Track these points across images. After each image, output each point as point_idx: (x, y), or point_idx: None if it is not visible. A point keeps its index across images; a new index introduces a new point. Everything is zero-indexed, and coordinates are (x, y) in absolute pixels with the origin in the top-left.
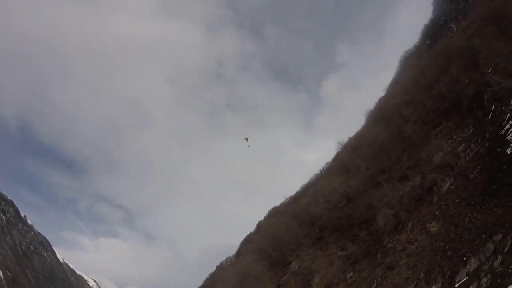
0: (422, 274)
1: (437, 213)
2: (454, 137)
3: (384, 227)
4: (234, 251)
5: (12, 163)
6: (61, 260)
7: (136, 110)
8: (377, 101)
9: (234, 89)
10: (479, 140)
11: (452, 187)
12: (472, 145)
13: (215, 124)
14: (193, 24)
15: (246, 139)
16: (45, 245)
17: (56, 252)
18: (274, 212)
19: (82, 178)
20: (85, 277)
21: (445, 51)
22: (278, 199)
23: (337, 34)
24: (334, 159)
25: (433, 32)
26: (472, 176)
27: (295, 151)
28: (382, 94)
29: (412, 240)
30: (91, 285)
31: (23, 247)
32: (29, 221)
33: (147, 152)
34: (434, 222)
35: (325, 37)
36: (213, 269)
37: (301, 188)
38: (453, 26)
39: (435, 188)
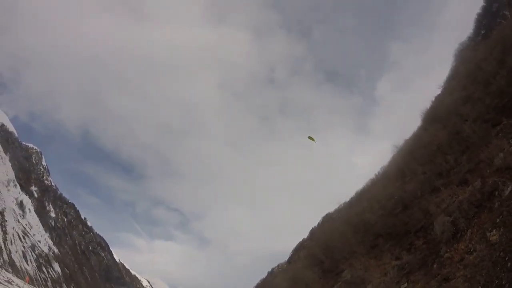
0: (480, 287)
1: (497, 220)
2: None
3: (442, 236)
4: (286, 257)
5: (74, 168)
6: (117, 260)
7: (191, 116)
8: (433, 99)
9: (285, 93)
10: None
11: None
12: None
13: (267, 128)
14: (241, 30)
15: (311, 138)
16: (103, 246)
17: (113, 253)
18: (328, 219)
19: (140, 182)
20: (139, 277)
21: (501, 41)
22: (332, 205)
23: (386, 30)
24: (390, 163)
25: (487, 21)
26: None
27: (349, 155)
28: (438, 91)
29: (470, 250)
30: (144, 285)
31: (82, 247)
32: (88, 223)
33: (202, 156)
34: (494, 230)
35: (374, 35)
36: (265, 275)
37: (356, 193)
38: (507, 13)
39: (496, 193)
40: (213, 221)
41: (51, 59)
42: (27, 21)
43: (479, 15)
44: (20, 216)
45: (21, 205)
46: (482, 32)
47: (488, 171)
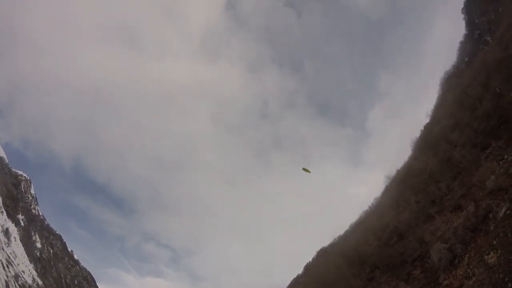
0: None
1: (494, 242)
2: (506, 157)
3: (439, 263)
4: None
5: (65, 200)
6: None
7: (184, 150)
8: (422, 128)
9: (279, 126)
10: None
11: (508, 212)
12: None
13: (261, 162)
14: (234, 65)
15: (306, 169)
16: (89, 280)
17: None
18: (323, 253)
19: (131, 217)
20: None
21: (484, 66)
22: (326, 238)
23: (375, 60)
24: (383, 194)
25: (470, 48)
26: None
27: (342, 186)
28: (427, 120)
29: (469, 275)
30: None
31: (67, 280)
32: (75, 256)
33: (195, 190)
34: (492, 252)
35: (364, 65)
36: None
37: (350, 226)
38: (488, 38)
39: (491, 215)
40: (206, 257)
41: (47, 87)
42: (25, 48)
43: (461, 43)
44: (5, 244)
45: (6, 232)
46: (466, 59)
47: (480, 194)
